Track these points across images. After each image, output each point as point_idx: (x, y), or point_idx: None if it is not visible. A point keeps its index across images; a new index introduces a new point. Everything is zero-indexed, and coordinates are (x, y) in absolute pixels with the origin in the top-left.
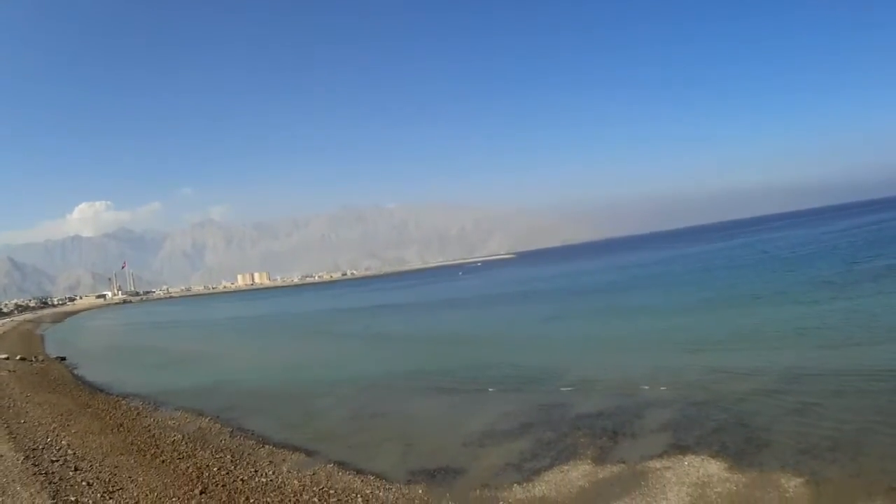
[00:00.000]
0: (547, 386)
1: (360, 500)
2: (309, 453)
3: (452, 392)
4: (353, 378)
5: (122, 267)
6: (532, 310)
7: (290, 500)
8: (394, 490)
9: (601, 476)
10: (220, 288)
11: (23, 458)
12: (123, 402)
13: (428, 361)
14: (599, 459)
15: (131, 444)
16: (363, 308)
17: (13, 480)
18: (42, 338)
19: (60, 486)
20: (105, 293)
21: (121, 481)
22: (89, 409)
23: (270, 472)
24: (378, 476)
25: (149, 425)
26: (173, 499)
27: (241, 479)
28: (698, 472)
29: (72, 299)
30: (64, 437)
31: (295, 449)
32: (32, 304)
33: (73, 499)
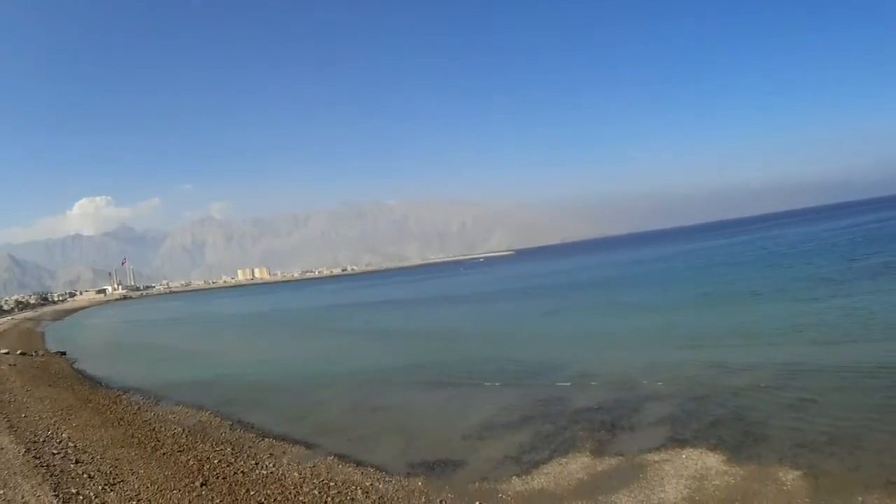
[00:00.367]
0: (545, 380)
1: (359, 492)
2: (309, 446)
3: (452, 386)
4: (352, 372)
5: (123, 263)
6: (531, 305)
7: (290, 492)
8: (393, 482)
9: (600, 469)
10: (221, 283)
11: (24, 450)
12: (124, 396)
13: (427, 356)
14: (598, 452)
15: (132, 437)
16: (363, 304)
17: (14, 473)
18: (42, 335)
19: (62, 479)
20: (105, 288)
21: (122, 474)
22: (90, 404)
23: (271, 465)
24: (377, 468)
25: (149, 419)
26: (174, 491)
27: (242, 472)
28: (696, 464)
29: (72, 295)
30: (65, 430)
31: (295, 442)
32: (33, 300)
33: (74, 491)
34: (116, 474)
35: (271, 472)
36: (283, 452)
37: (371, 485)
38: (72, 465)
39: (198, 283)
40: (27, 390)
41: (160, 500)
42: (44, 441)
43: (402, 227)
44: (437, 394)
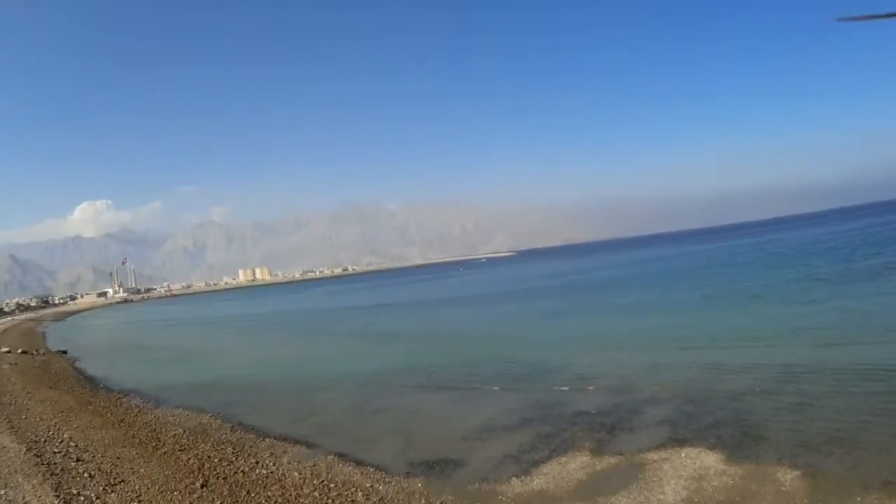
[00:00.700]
0: (545, 382)
1: (359, 493)
2: (309, 446)
3: (452, 388)
4: (353, 374)
5: (123, 262)
6: (531, 307)
7: (290, 493)
8: (393, 483)
9: (599, 468)
10: (222, 284)
11: (25, 449)
12: (125, 399)
13: (427, 359)
14: (597, 452)
15: (133, 437)
16: (364, 306)
17: (15, 472)
18: (43, 334)
19: (63, 478)
20: (106, 290)
21: (123, 473)
22: (90, 406)
23: (271, 464)
24: (378, 469)
25: (150, 421)
26: (175, 491)
27: (242, 472)
28: (695, 464)
29: (73, 298)
30: (65, 430)
31: (295, 442)
32: (33, 303)
33: (75, 491)
34: (117, 474)
35: (272, 472)
36: (284, 452)
37: (371, 486)
38: (73, 464)
39: (199, 284)
40: (28, 392)
41: (161, 501)
42: (45, 441)
43: (404, 233)
44: (437, 396)
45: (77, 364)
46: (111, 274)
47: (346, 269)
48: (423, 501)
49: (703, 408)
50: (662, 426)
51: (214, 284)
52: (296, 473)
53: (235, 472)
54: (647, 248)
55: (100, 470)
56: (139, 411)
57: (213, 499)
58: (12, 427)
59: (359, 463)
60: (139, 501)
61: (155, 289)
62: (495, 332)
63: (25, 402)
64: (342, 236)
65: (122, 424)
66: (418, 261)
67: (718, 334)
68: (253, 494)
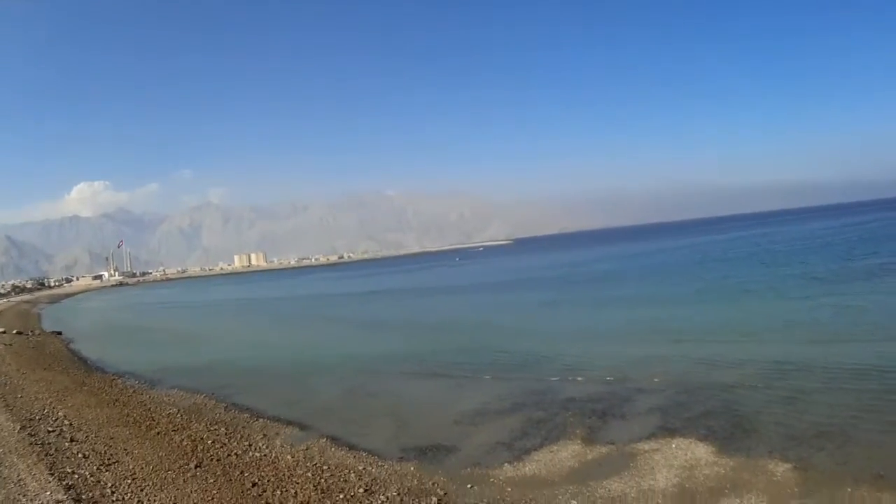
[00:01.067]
0: (538, 371)
1: (352, 475)
2: (302, 428)
3: (445, 375)
4: (346, 360)
5: (119, 245)
6: (527, 297)
7: (285, 475)
8: (386, 467)
9: (590, 457)
10: (217, 270)
11: (19, 427)
12: (119, 380)
13: (422, 346)
14: (589, 441)
15: (127, 416)
16: (360, 293)
17: (10, 451)
18: (39, 315)
19: (57, 458)
20: (102, 274)
21: (116, 454)
22: (85, 387)
23: (264, 447)
24: (370, 453)
25: (144, 401)
26: (169, 472)
27: (236, 454)
28: (686, 454)
29: (68, 280)
30: (60, 409)
31: (288, 423)
32: (29, 285)
33: (69, 471)
34: (111, 454)
35: (265, 455)
36: (277, 434)
37: (364, 468)
38: (67, 444)
39: (194, 269)
40: (22, 372)
41: (156, 481)
42: (39, 419)
43: (401, 218)
44: (430, 382)
45: (72, 345)
46: (107, 258)
47: (341, 257)
48: (415, 482)
49: (695, 399)
50: (654, 417)
51: (210, 270)
52: (289, 456)
53: (229, 454)
54: (642, 239)
55: (94, 450)
56: (134, 391)
57: (207, 478)
58: (7, 405)
59: (352, 447)
60: (133, 479)
61: (150, 273)
62: (489, 320)
63: (20, 381)
64: (340, 221)
65: (116, 404)
66: (415, 248)
67: (712, 328)
68: (247, 474)
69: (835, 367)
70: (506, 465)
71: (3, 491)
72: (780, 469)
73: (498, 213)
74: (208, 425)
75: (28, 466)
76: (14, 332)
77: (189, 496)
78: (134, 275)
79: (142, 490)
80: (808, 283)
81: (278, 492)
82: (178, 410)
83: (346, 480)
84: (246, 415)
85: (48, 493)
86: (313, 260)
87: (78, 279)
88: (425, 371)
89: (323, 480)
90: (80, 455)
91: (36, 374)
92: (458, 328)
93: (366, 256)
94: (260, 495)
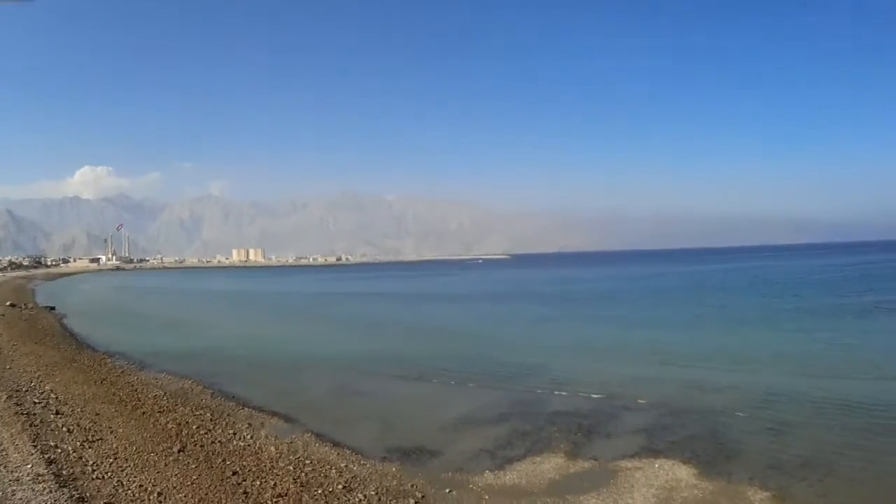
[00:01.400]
0: (527, 384)
1: (333, 471)
2: (288, 421)
3: (435, 380)
4: (337, 358)
5: (118, 228)
6: (522, 311)
7: (266, 466)
8: (368, 466)
9: (572, 470)
10: (215, 262)
11: (6, 397)
12: (109, 360)
13: (415, 350)
14: (572, 455)
15: (113, 395)
16: (356, 294)
17: None
18: (33, 290)
19: (41, 430)
20: (99, 257)
21: (101, 431)
22: (74, 363)
23: (248, 437)
24: (354, 451)
25: (132, 381)
26: (151, 454)
27: (220, 441)
28: (667, 475)
29: (65, 261)
30: (47, 383)
31: (275, 415)
32: (26, 262)
33: (52, 444)
34: (96, 431)
35: (248, 445)
36: (262, 424)
37: (345, 465)
38: (52, 417)
39: (192, 260)
40: (13, 344)
41: (137, 462)
42: (26, 391)
43: (401, 223)
44: (419, 386)
45: (64, 321)
46: (105, 241)
47: (339, 259)
48: (395, 482)
49: (681, 422)
50: (639, 436)
51: (207, 262)
52: (272, 447)
53: (213, 441)
54: (641, 263)
55: (78, 425)
56: (122, 372)
57: (189, 463)
58: None
59: (336, 443)
60: (115, 458)
61: (148, 260)
62: (483, 331)
63: (10, 353)
64: (339, 222)
65: (104, 382)
66: (412, 256)
67: (703, 354)
68: (229, 462)
69: (822, 400)
70: (487, 472)
71: None
72: (759, 496)
73: (497, 224)
74: (194, 410)
75: (11, 436)
76: (7, 304)
77: (168, 479)
78: (131, 261)
79: (122, 470)
80: (801, 316)
81: (258, 482)
82: (165, 393)
83: (326, 476)
84: (232, 403)
85: (29, 465)
86: (311, 260)
87: (75, 260)
88: (416, 375)
89: (303, 474)
90: (64, 429)
91: (26, 346)
92: (451, 335)
93: (364, 260)
94: (239, 484)
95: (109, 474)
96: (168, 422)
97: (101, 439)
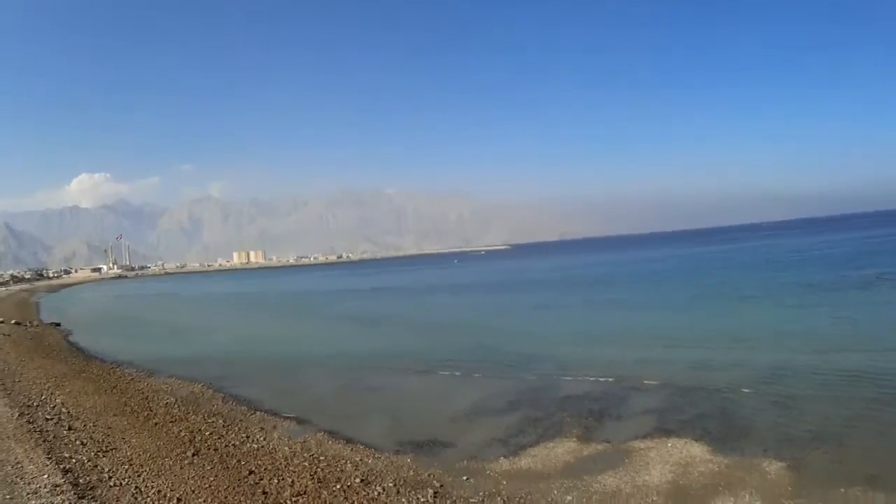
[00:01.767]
0: (536, 371)
1: (349, 466)
2: (300, 421)
3: (443, 372)
4: (343, 355)
5: (118, 238)
6: (525, 299)
7: (282, 465)
8: (383, 459)
9: (586, 453)
10: (216, 266)
11: (17, 414)
12: (117, 369)
13: (420, 343)
14: (585, 438)
15: (125, 405)
16: (358, 290)
17: (7, 436)
18: (37, 305)
19: (55, 444)
20: (101, 267)
21: (114, 441)
22: (83, 375)
23: (261, 438)
24: (367, 445)
25: (142, 389)
26: (166, 459)
27: (233, 444)
28: (681, 453)
29: (67, 272)
30: (58, 396)
31: (286, 417)
32: (28, 275)
33: (67, 455)
34: (109, 442)
35: (262, 446)
36: (274, 427)
37: (360, 459)
38: (65, 431)
39: (193, 265)
40: (21, 360)
41: (153, 468)
42: (37, 405)
43: (400, 217)
44: (426, 379)
45: (70, 337)
46: (106, 251)
47: (340, 257)
48: (411, 473)
49: (691, 401)
50: (650, 417)
51: (209, 266)
52: (286, 447)
53: (227, 445)
54: (644, 247)
55: (91, 438)
56: (132, 379)
57: (205, 465)
58: (5, 390)
59: (348, 440)
60: (130, 465)
61: (149, 267)
62: (488, 321)
63: (19, 368)
64: (339, 219)
65: (114, 391)
66: (413, 251)
67: (709, 333)
68: (244, 463)
69: (828, 373)
70: (501, 459)
71: (1, 473)
72: (774, 468)
73: (497, 215)
74: (206, 417)
75: (26, 451)
76: (12, 322)
77: (186, 482)
78: (133, 268)
79: (139, 475)
80: (803, 292)
81: (275, 480)
82: (176, 400)
83: (342, 471)
84: (243, 407)
85: (45, 475)
86: (312, 259)
87: (77, 271)
88: (422, 368)
89: (320, 470)
90: (77, 442)
91: (34, 362)
92: (455, 327)
93: (365, 256)
94: (257, 483)
95: (127, 481)
96: (181, 430)
97: (115, 449)
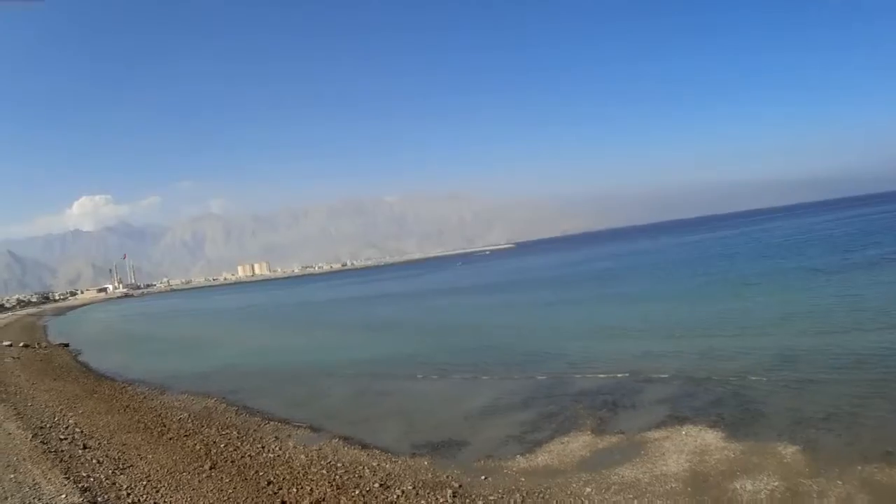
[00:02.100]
0: (545, 368)
1: (367, 471)
2: (314, 429)
3: (453, 374)
4: (353, 363)
5: (123, 258)
6: (529, 297)
7: (299, 473)
8: (399, 462)
9: (602, 446)
10: (221, 280)
11: (31, 436)
12: (129, 387)
13: (428, 347)
14: (599, 431)
15: (138, 422)
16: (363, 297)
17: (24, 459)
18: (45, 327)
19: (71, 464)
20: (106, 286)
21: (130, 458)
22: (95, 395)
23: (277, 448)
24: (383, 450)
25: (155, 406)
26: (184, 473)
27: (250, 455)
28: (696, 441)
29: (73, 293)
30: (71, 416)
31: (300, 425)
32: (34, 299)
33: (84, 475)
34: (125, 459)
35: (278, 455)
36: (289, 436)
37: (378, 464)
38: (80, 451)
39: (199, 279)
40: (32, 383)
41: (171, 482)
42: (50, 427)
43: (402, 224)
44: (438, 382)
45: (80, 357)
46: (111, 270)
47: (344, 264)
48: (429, 475)
49: (703, 389)
50: (663, 407)
51: (214, 279)
52: (302, 456)
53: (243, 456)
54: (644, 238)
55: (107, 456)
56: (144, 397)
57: (223, 478)
58: (18, 413)
59: (364, 445)
60: (148, 481)
61: (154, 284)
62: (493, 321)
63: (30, 391)
64: (341, 229)
65: (127, 410)
66: (417, 255)
67: (715, 322)
68: (262, 474)
69: (837, 355)
70: (518, 456)
71: (19, 495)
72: (790, 451)
73: (499, 215)
74: (220, 429)
75: (43, 472)
76: (21, 344)
77: (205, 496)
78: (138, 287)
79: (157, 491)
80: (807, 274)
81: (294, 489)
82: (189, 415)
83: (360, 476)
84: (257, 418)
85: (63, 496)
86: (317, 268)
87: (83, 292)
88: (432, 371)
89: (338, 477)
90: (94, 461)
91: (45, 384)
92: (462, 329)
93: (369, 263)
94: (276, 493)
95: (145, 497)
96: (196, 443)
97: (132, 466)
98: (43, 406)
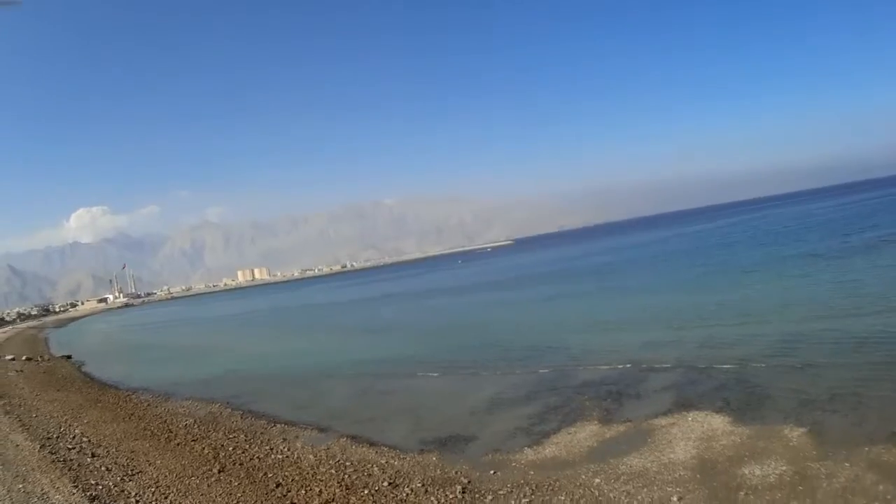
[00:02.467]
0: (549, 361)
1: (376, 469)
2: (321, 430)
3: (456, 371)
4: (356, 363)
5: (123, 268)
6: (530, 293)
7: (308, 474)
8: (408, 459)
9: (609, 435)
10: (221, 285)
11: (39, 446)
12: (133, 396)
13: (430, 345)
14: (606, 420)
15: (144, 429)
16: (364, 299)
17: (33, 469)
18: (46, 340)
19: (80, 473)
20: (107, 297)
21: (139, 465)
22: (99, 404)
23: (285, 449)
24: (391, 447)
25: (160, 413)
26: (192, 478)
27: (258, 457)
28: (703, 427)
29: (73, 305)
30: (77, 426)
31: (307, 426)
32: (34, 311)
33: (93, 482)
34: (133, 466)
35: (287, 457)
36: (296, 437)
37: (386, 462)
38: (88, 459)
39: (199, 286)
40: (37, 395)
41: (180, 487)
42: (57, 437)
43: (401, 226)
44: (442, 379)
45: (83, 368)
46: (111, 280)
47: (344, 266)
48: (438, 471)
49: (707, 376)
50: (668, 394)
51: (214, 286)
52: (311, 456)
53: (251, 459)
54: (642, 230)
55: (115, 463)
56: (148, 405)
57: (231, 481)
58: (24, 425)
59: (372, 443)
60: (157, 487)
61: (155, 293)
62: (496, 317)
63: (35, 402)
64: (340, 232)
65: (132, 418)
66: (416, 254)
67: (716, 311)
68: (271, 475)
69: (839, 339)
70: (526, 449)
71: None
72: (796, 434)
73: (497, 215)
74: (227, 433)
75: (51, 481)
76: (24, 358)
77: (214, 500)
78: (139, 296)
79: (166, 497)
80: (806, 260)
81: (303, 491)
82: (195, 421)
83: (369, 475)
84: (263, 421)
85: None
86: (317, 271)
87: (83, 303)
88: (436, 368)
89: (347, 477)
90: (102, 468)
91: (49, 395)
92: (464, 326)
93: (368, 265)
94: (285, 495)
95: (154, 502)
96: (204, 447)
97: (140, 472)
98: (48, 417)
